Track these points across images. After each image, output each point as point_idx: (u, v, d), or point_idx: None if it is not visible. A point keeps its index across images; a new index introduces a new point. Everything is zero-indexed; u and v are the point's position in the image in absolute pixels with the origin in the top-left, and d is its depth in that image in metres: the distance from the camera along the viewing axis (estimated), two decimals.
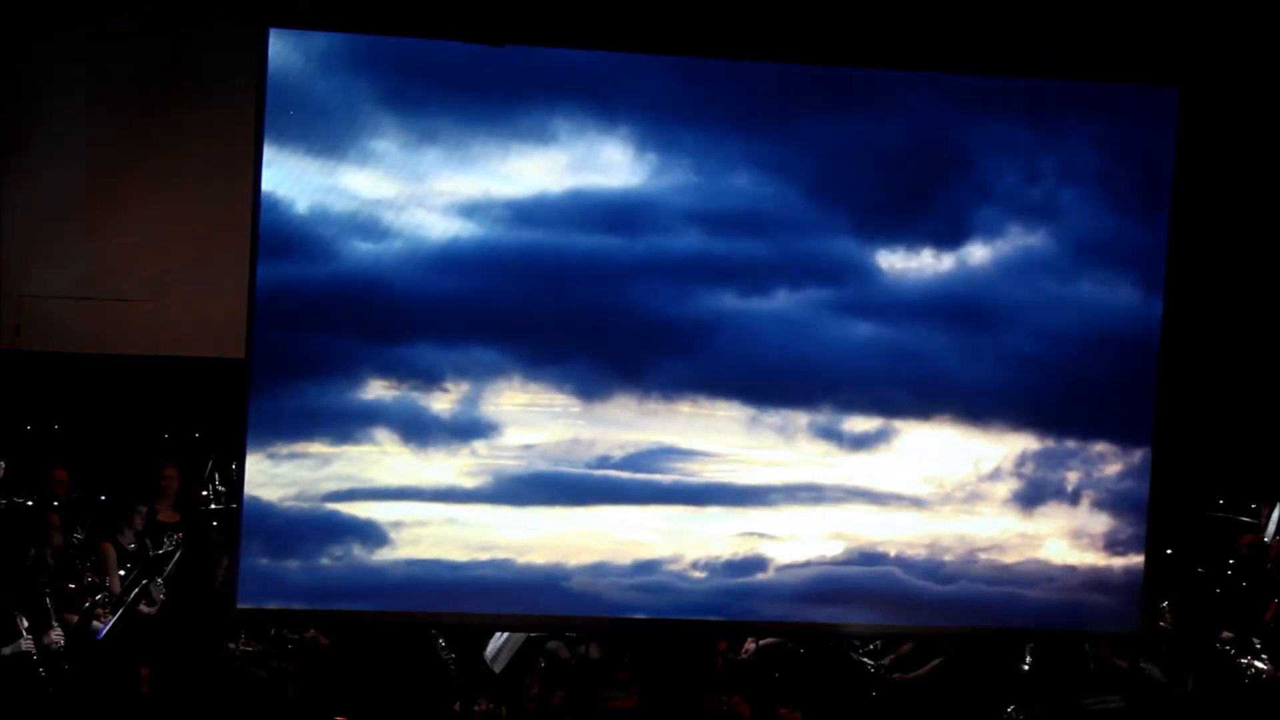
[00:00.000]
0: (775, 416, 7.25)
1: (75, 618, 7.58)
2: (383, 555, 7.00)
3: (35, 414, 9.90)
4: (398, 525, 7.02)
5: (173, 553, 8.02)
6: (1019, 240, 7.34)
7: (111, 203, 9.52)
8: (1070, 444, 7.38)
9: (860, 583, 7.31)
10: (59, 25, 9.47)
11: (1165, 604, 7.88)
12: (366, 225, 6.95)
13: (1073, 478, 7.40)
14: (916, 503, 7.33)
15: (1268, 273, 9.68)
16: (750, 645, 8.26)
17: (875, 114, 7.31)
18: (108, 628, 7.44)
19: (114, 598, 7.78)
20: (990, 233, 7.33)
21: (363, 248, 6.96)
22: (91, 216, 9.50)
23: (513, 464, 7.11)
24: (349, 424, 6.99)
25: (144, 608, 7.66)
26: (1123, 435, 7.40)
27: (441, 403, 7.05)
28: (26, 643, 7.07)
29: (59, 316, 9.48)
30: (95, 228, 9.51)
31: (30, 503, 8.85)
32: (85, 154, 9.53)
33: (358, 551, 6.99)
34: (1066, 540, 7.40)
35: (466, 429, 7.07)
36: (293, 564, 6.96)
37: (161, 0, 9.46)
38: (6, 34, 9.35)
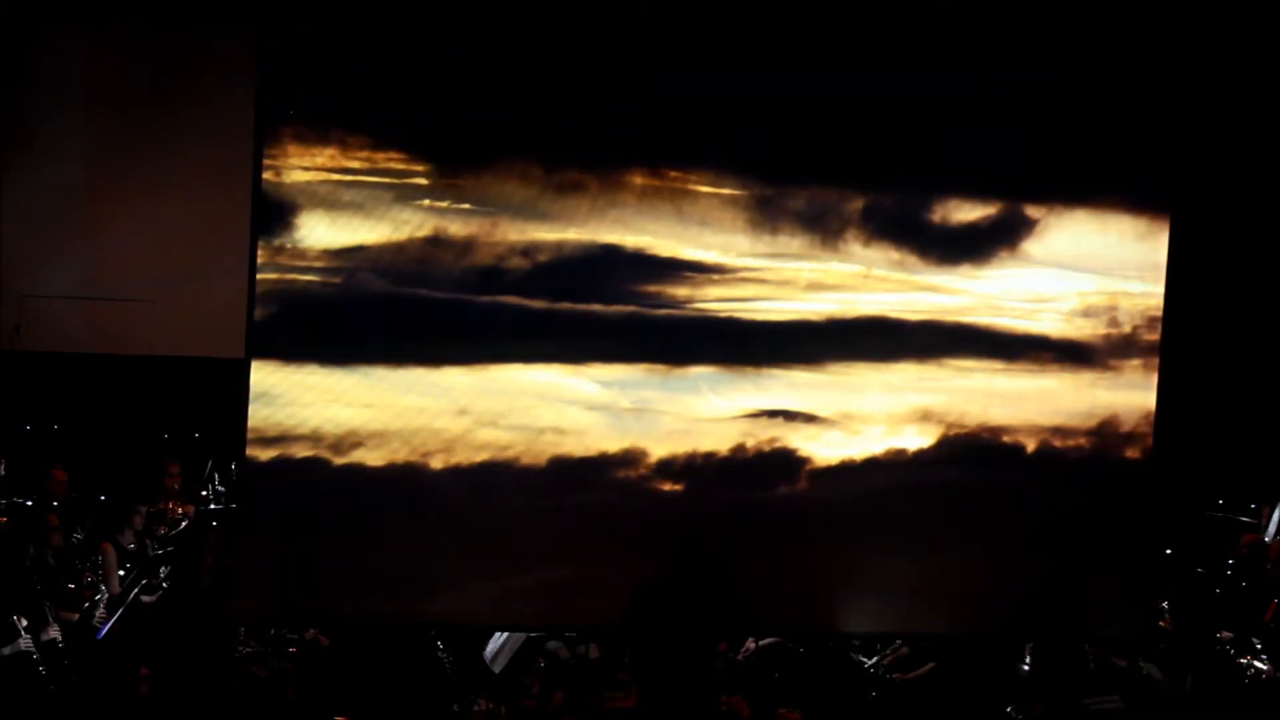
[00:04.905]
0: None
1: (75, 616, 7.58)
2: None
3: (35, 414, 9.91)
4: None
5: (171, 553, 8.03)
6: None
7: (111, 203, 9.55)
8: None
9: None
10: (60, 27, 9.49)
11: (1165, 604, 7.88)
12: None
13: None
14: None
15: (1267, 273, 9.69)
16: (750, 645, 8.26)
17: None
18: (108, 628, 7.44)
19: (114, 598, 7.78)
20: None
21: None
22: (91, 216, 9.52)
23: None
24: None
25: (145, 597, 7.66)
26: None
27: None
28: (26, 642, 7.08)
29: (59, 316, 9.49)
30: (95, 228, 9.53)
31: (30, 503, 8.85)
32: (85, 154, 9.55)
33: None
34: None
35: None
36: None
37: (162, 1, 9.47)
38: (8, 35, 9.37)
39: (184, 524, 8.63)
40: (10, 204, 9.39)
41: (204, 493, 9.40)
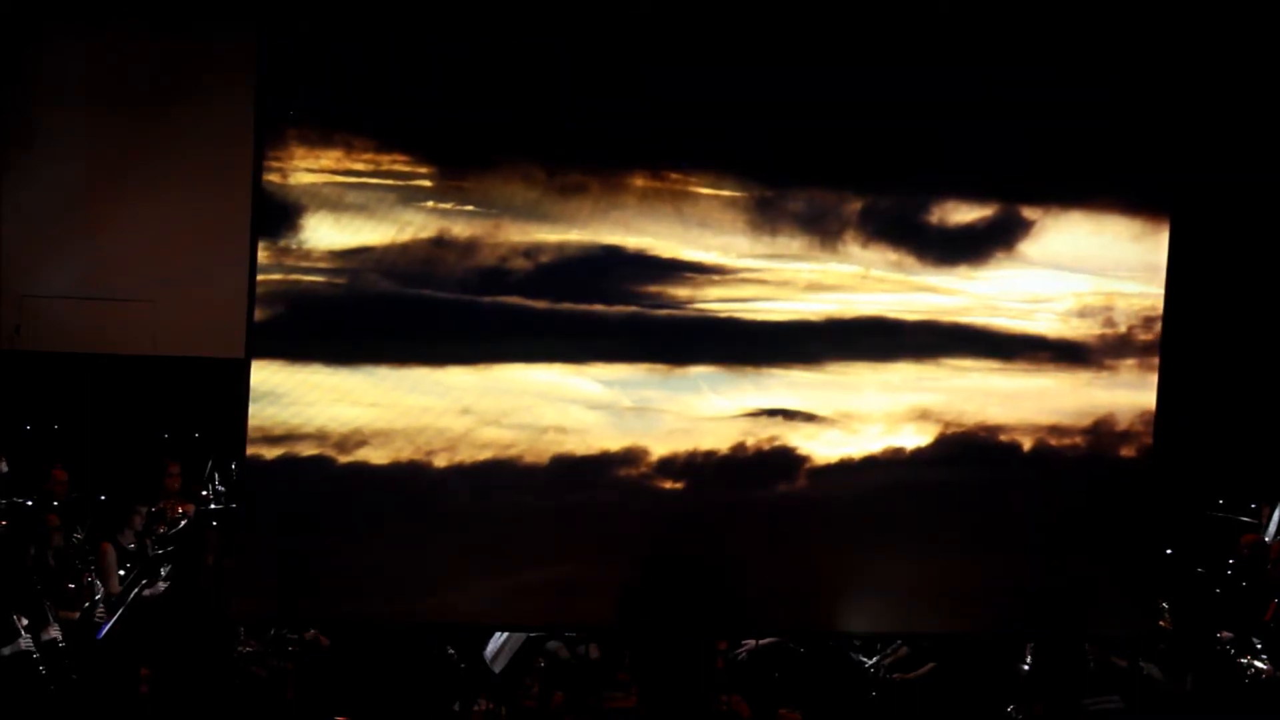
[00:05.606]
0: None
1: (75, 616, 7.58)
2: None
3: (35, 414, 9.92)
4: None
5: (171, 553, 8.03)
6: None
7: (111, 203, 9.57)
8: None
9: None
10: (60, 27, 9.50)
11: (1165, 604, 7.89)
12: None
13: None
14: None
15: (1267, 273, 9.71)
16: (749, 644, 8.26)
17: None
18: (108, 627, 7.44)
19: (114, 598, 7.78)
20: None
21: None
22: (91, 216, 9.55)
23: None
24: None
25: (146, 592, 7.66)
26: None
27: None
28: (26, 642, 7.07)
29: (59, 316, 9.51)
30: (95, 228, 9.56)
31: (30, 503, 8.85)
32: (85, 154, 9.58)
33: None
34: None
35: None
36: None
37: (162, 1, 9.49)
38: (8, 35, 9.38)
39: (184, 524, 8.63)
40: (10, 204, 9.41)
41: (204, 493, 9.39)
